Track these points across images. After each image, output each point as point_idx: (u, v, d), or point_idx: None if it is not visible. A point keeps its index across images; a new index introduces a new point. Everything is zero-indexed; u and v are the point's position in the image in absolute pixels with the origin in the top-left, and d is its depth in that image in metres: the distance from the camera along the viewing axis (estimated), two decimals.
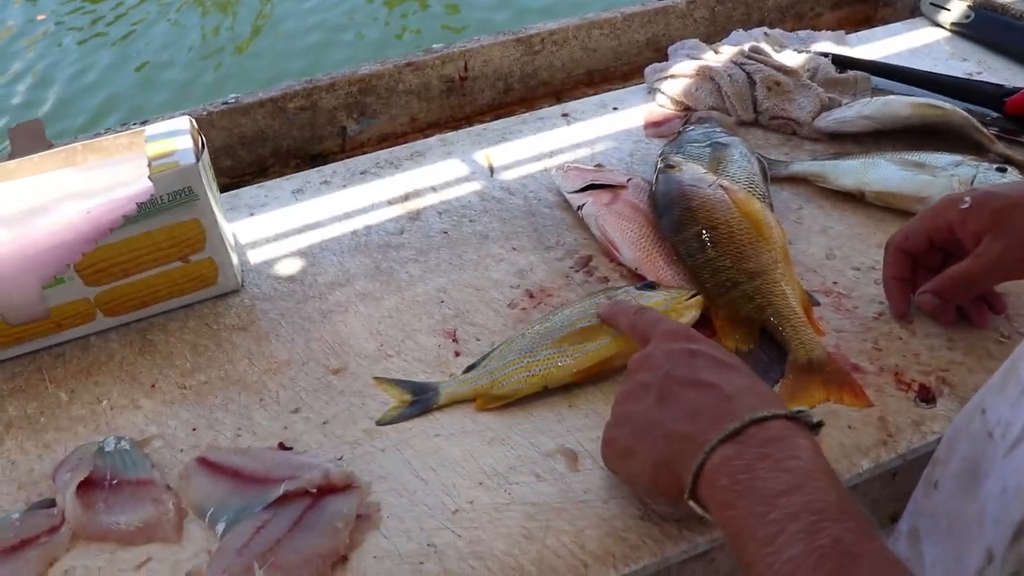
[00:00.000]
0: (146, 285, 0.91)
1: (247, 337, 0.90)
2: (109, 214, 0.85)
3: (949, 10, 1.42)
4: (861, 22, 1.61)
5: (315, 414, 0.81)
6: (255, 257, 1.01)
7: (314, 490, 0.71)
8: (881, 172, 1.02)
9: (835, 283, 0.91)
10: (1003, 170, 0.97)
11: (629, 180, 1.02)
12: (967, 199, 0.79)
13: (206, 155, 0.91)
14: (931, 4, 1.45)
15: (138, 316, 0.93)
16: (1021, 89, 1.15)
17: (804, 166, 1.07)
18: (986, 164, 0.99)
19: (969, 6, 1.40)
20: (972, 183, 0.96)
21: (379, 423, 0.79)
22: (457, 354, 0.86)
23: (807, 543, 0.49)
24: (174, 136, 0.92)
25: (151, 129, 0.94)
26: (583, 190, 1.01)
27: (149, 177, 0.85)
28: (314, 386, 0.84)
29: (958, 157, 1.01)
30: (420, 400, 0.80)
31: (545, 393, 0.80)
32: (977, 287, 0.83)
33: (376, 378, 0.84)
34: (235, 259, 0.96)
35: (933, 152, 1.03)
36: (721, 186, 0.93)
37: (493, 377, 0.80)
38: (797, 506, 0.51)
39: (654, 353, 0.69)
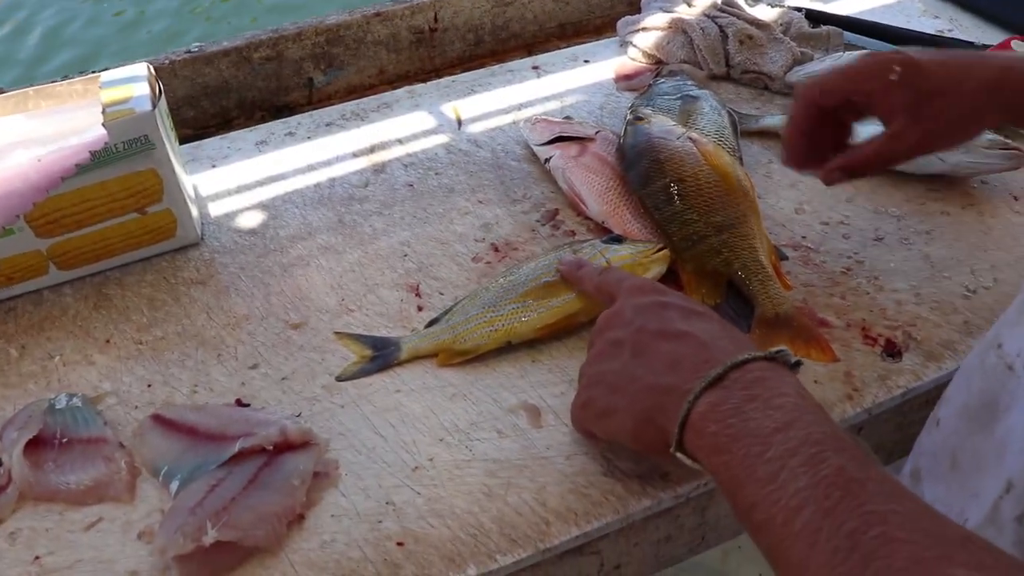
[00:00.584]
0: (101, 237, 0.89)
1: (206, 291, 0.88)
2: (61, 162, 0.83)
3: None
4: None
5: (274, 370, 0.79)
6: (216, 210, 0.99)
7: (270, 447, 0.69)
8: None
9: (803, 237, 0.90)
10: None
11: (598, 133, 1.00)
12: (897, 69, 0.74)
13: (163, 103, 0.89)
14: None
15: (93, 270, 0.91)
16: (990, 47, 1.14)
17: (775, 120, 1.05)
18: None
19: None
20: None
21: (339, 379, 0.78)
22: (420, 308, 0.84)
23: (811, 475, 0.48)
24: (130, 83, 0.89)
25: (107, 75, 0.91)
26: (551, 142, 0.99)
27: (103, 124, 0.82)
28: (273, 341, 0.82)
29: None
30: (381, 355, 0.79)
31: (508, 348, 0.79)
32: (886, 167, 0.83)
33: (337, 333, 0.82)
34: (195, 211, 0.94)
35: None
36: (690, 139, 0.92)
37: (455, 332, 0.79)
38: (795, 441, 0.50)
39: (623, 309, 0.67)
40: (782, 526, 0.48)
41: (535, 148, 1.01)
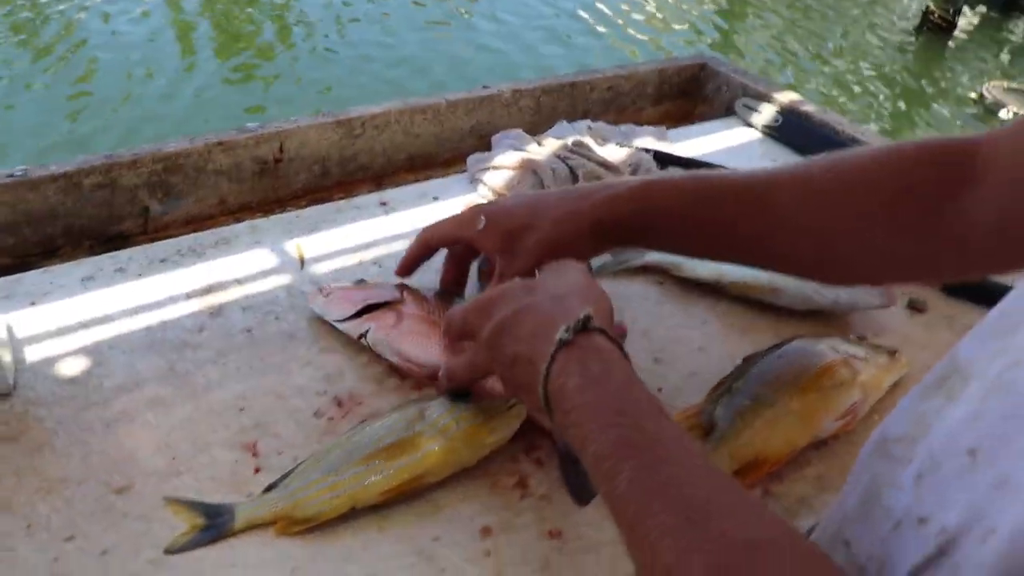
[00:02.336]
0: None
1: (16, 449, 0.80)
2: None
3: (760, 112, 1.48)
4: (681, 118, 1.65)
5: (92, 542, 0.71)
6: (33, 354, 0.91)
7: None
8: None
9: (659, 390, 0.90)
10: None
11: (403, 291, 0.95)
12: (482, 218, 0.86)
13: None
14: (744, 106, 1.50)
15: None
16: None
17: (660, 256, 1.07)
18: None
19: (777, 111, 1.46)
20: None
21: (167, 551, 0.71)
22: (257, 470, 0.79)
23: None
24: None
25: None
26: (357, 315, 0.93)
27: None
28: (92, 508, 0.74)
29: None
30: (214, 524, 0.72)
31: (352, 514, 0.74)
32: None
33: (165, 498, 0.75)
34: (7, 357, 0.86)
35: None
36: None
37: (295, 498, 0.73)
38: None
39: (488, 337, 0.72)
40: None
41: (338, 325, 0.93)
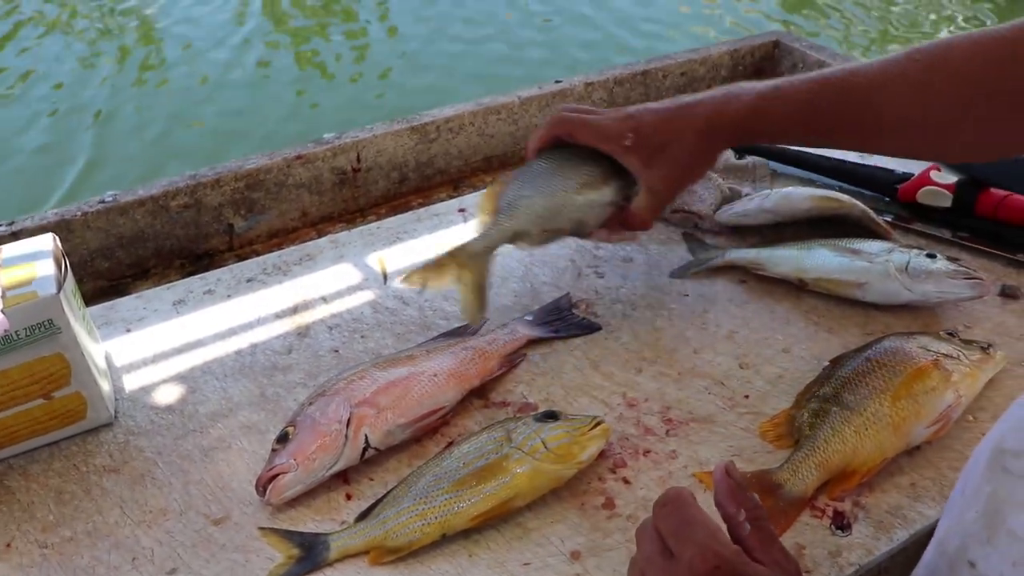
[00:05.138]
0: (2, 426, 0.83)
1: (119, 481, 0.83)
2: None
3: None
4: None
5: (194, 575, 0.74)
6: (131, 383, 0.94)
7: None
8: (818, 258, 1.02)
9: (746, 397, 0.89)
10: (932, 256, 0.98)
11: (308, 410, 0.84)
12: (630, 136, 0.91)
13: (71, 280, 0.85)
14: None
15: None
16: (911, 176, 1.16)
17: (740, 254, 1.06)
18: (916, 250, 0.99)
19: None
20: (907, 269, 0.97)
21: None
22: (349, 497, 0.80)
23: None
24: (34, 260, 0.84)
25: (8, 250, 0.86)
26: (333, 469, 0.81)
27: (2, 311, 0.78)
28: (193, 540, 0.76)
29: (889, 244, 1.02)
30: (309, 556, 0.74)
31: (443, 540, 0.75)
32: (655, 214, 0.97)
33: (261, 529, 0.77)
34: (107, 387, 0.89)
35: (863, 240, 1.03)
36: None
37: (387, 527, 0.74)
38: None
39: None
40: None
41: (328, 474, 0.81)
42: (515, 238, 0.92)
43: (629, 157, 0.92)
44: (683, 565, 0.56)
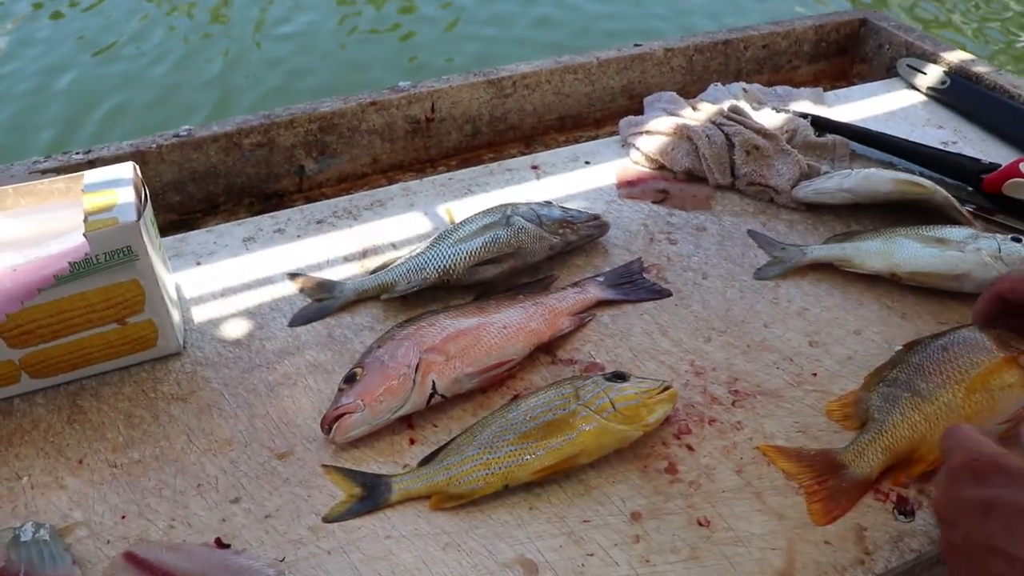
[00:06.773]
0: (78, 347, 0.84)
1: (187, 409, 0.84)
2: (38, 272, 0.78)
3: (925, 74, 1.40)
4: (837, 77, 1.58)
5: (257, 505, 0.74)
6: (200, 315, 0.95)
7: None
8: (908, 251, 0.98)
9: (814, 375, 0.87)
10: (1018, 240, 0.96)
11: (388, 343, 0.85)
12: None
13: (149, 210, 0.85)
14: (908, 66, 1.42)
15: (68, 378, 0.86)
16: (998, 167, 1.12)
17: (825, 251, 1.02)
18: (1001, 235, 0.97)
19: (945, 72, 1.38)
20: (999, 255, 0.95)
21: (326, 520, 0.73)
22: (412, 442, 0.80)
23: None
24: (115, 187, 0.85)
25: (91, 176, 0.87)
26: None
27: (84, 235, 0.78)
28: (257, 472, 0.77)
29: (970, 230, 0.99)
30: (371, 496, 0.74)
31: (505, 492, 0.75)
32: None
33: (324, 466, 0.77)
34: (177, 318, 0.90)
35: (942, 226, 1.00)
36: None
37: (450, 473, 0.74)
38: None
39: (947, 502, 0.64)
40: None
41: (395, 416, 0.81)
42: None
43: None
44: (952, 465, 0.65)
